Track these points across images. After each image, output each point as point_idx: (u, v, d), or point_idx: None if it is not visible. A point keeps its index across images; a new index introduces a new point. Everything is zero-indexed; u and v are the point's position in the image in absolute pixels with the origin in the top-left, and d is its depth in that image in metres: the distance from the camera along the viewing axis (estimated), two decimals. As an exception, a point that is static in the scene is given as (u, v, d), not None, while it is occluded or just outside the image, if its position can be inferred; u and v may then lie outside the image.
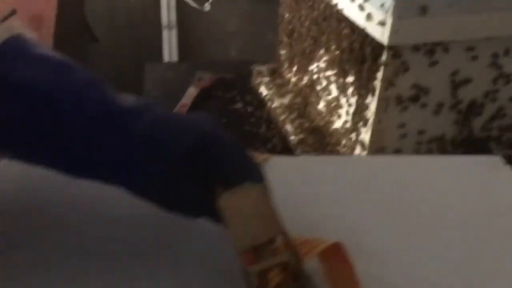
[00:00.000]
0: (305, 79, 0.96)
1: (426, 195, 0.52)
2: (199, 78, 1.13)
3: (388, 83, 0.70)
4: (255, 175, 0.37)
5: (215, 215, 0.36)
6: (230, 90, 1.12)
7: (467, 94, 0.75)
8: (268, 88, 1.06)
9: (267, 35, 1.67)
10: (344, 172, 0.55)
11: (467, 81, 0.73)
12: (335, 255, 0.38)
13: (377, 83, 0.71)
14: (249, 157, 0.38)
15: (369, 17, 0.66)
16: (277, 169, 0.54)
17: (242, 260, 0.34)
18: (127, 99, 0.39)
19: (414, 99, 0.72)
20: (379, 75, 0.70)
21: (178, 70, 1.23)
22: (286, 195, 0.50)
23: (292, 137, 0.92)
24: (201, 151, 0.36)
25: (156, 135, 0.36)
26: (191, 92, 1.08)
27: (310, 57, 0.92)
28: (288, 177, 0.53)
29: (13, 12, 1.47)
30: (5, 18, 1.40)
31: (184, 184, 0.37)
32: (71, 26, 1.86)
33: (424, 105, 0.74)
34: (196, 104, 1.06)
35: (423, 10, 0.61)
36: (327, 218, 0.48)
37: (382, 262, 0.44)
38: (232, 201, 0.34)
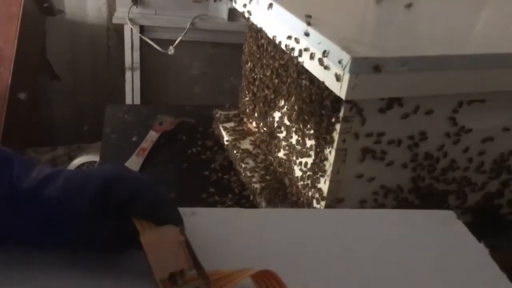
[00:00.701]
0: (266, 126, 0.97)
1: (379, 248, 0.52)
2: (160, 122, 1.12)
3: (346, 135, 0.72)
4: (169, 213, 0.45)
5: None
6: (192, 135, 1.11)
7: (422, 147, 0.77)
8: (229, 134, 1.06)
9: (230, 80, 1.69)
10: (301, 225, 0.55)
11: (422, 134, 0.76)
12: (267, 278, 0.43)
13: (335, 135, 0.72)
14: (161, 195, 0.45)
15: (327, 71, 0.68)
16: (238, 221, 0.54)
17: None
18: (38, 171, 0.44)
19: (372, 151, 0.74)
20: (338, 127, 0.71)
21: (139, 113, 1.22)
22: (242, 245, 0.49)
23: (253, 185, 0.92)
24: (107, 193, 0.42)
25: (61, 195, 0.42)
26: (152, 135, 1.07)
27: (271, 105, 0.93)
28: (246, 229, 0.52)
29: (-30, 49, 1.41)
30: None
31: (103, 227, 0.42)
32: (31, 63, 1.83)
33: (381, 158, 0.75)
34: (157, 147, 1.05)
35: (378, 68, 0.64)
36: (285, 269, 0.47)
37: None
38: (151, 239, 0.41)
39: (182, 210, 0.54)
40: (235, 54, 1.64)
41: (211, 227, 0.52)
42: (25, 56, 1.59)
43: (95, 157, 1.58)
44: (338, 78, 0.65)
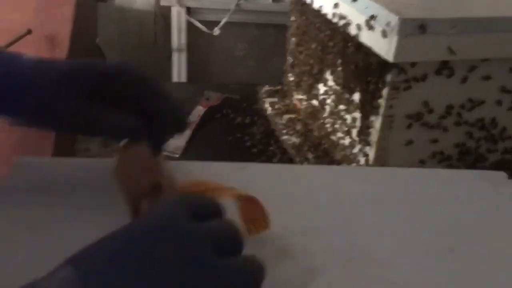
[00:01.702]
0: (311, 99, 0.97)
1: (429, 207, 0.52)
2: (207, 97, 1.14)
3: (393, 100, 0.71)
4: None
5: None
6: (237, 110, 1.13)
7: (473, 113, 0.75)
8: (274, 109, 1.08)
9: (274, 61, 1.70)
10: (347, 182, 0.56)
11: (472, 100, 0.74)
12: (251, 204, 0.44)
13: (382, 101, 0.72)
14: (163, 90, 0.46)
15: (374, 36, 0.68)
16: (280, 176, 0.55)
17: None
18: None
19: (419, 117, 0.73)
20: (384, 92, 0.71)
21: (186, 90, 1.25)
22: (288, 201, 0.50)
23: (297, 158, 0.93)
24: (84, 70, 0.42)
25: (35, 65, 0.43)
26: (199, 110, 1.09)
27: (317, 78, 0.94)
28: (291, 185, 0.54)
29: (28, 32, 1.50)
30: (21, 37, 1.43)
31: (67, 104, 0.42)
32: (84, 48, 1.90)
33: (429, 124, 0.75)
34: (203, 121, 1.08)
35: (426, 29, 0.63)
36: (329, 223, 0.48)
37: (384, 267, 0.44)
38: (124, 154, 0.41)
39: (231, 165, 0.56)
40: (279, 35, 1.64)
41: (259, 182, 0.54)
42: (78, 41, 1.65)
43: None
44: (385, 41, 0.65)
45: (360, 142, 0.79)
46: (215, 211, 0.34)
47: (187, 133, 1.03)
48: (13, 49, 1.41)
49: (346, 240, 0.46)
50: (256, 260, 0.33)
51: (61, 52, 1.54)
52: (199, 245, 0.29)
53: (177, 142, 1.00)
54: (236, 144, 1.02)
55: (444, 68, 0.70)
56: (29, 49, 1.49)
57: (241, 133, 1.05)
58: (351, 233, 0.47)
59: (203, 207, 0.33)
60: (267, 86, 1.16)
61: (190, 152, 0.99)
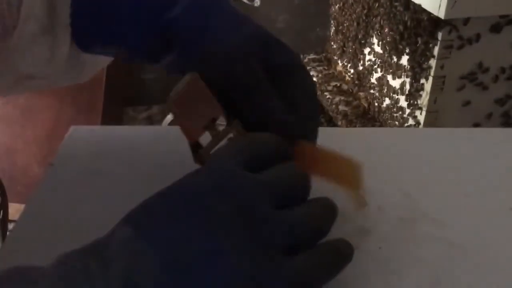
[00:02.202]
0: (357, 64, 0.95)
1: (483, 166, 0.50)
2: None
3: (444, 60, 0.68)
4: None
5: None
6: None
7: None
8: (319, 76, 1.06)
9: (316, 31, 1.66)
10: (397, 142, 0.54)
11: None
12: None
13: (433, 61, 0.69)
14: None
15: (424, -8, 0.65)
16: (329, 139, 0.54)
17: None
18: None
19: (472, 77, 0.70)
20: (435, 52, 0.68)
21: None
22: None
23: (343, 122, 0.91)
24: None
25: None
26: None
27: (362, 42, 0.91)
28: (341, 147, 0.53)
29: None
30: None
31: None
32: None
33: (483, 86, 0.71)
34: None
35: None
36: (381, 184, 0.47)
37: (438, 226, 0.42)
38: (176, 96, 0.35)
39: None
40: (320, 4, 1.61)
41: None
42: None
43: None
44: (436, -4, 0.62)
45: (409, 106, 0.77)
46: (276, 153, 0.31)
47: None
48: None
49: (398, 200, 0.45)
50: (324, 203, 0.30)
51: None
52: (258, 199, 0.28)
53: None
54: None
55: (502, 24, 0.66)
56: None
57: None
58: (403, 193, 0.46)
59: (261, 153, 0.31)
60: (311, 54, 1.14)
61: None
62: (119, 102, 1.90)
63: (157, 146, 0.52)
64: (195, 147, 0.36)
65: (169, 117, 0.39)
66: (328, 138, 0.55)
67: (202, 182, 0.28)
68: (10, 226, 1.53)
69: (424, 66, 0.70)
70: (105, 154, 0.50)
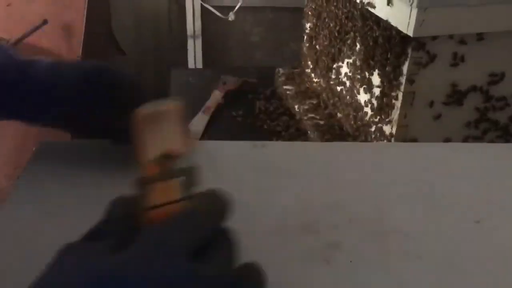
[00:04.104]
0: (329, 79, 0.96)
1: (453, 180, 0.51)
2: (224, 82, 1.14)
3: (413, 76, 0.70)
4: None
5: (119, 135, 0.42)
6: (254, 94, 1.13)
7: (498, 89, 0.74)
8: (291, 91, 1.07)
9: (290, 45, 1.68)
10: (369, 157, 0.55)
11: (499, 75, 0.72)
12: None
13: (402, 77, 0.71)
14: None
15: (394, 10, 0.67)
16: (301, 154, 0.55)
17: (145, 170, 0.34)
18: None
19: (441, 94, 0.72)
20: (405, 68, 0.70)
21: (202, 75, 1.25)
22: (311, 177, 0.50)
23: (318, 139, 0.92)
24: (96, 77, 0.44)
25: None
26: (216, 95, 1.09)
27: (334, 58, 0.93)
28: (313, 161, 0.53)
29: (44, 22, 1.51)
30: (37, 28, 1.44)
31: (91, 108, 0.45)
32: (99, 37, 1.91)
33: (451, 101, 0.73)
34: (221, 106, 1.08)
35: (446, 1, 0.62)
36: (352, 198, 0.48)
37: (408, 240, 0.43)
38: (146, 112, 0.35)
39: (252, 143, 0.56)
40: (295, 19, 1.62)
41: (280, 159, 0.53)
42: (93, 30, 1.66)
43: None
44: (405, 14, 0.64)
45: (380, 121, 0.78)
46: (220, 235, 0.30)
47: (206, 118, 1.03)
48: (30, 39, 1.42)
49: (369, 214, 0.45)
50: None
51: (77, 41, 1.55)
52: None
53: (195, 128, 1.00)
54: (254, 127, 1.02)
55: (470, 40, 0.68)
56: (46, 39, 1.50)
57: (259, 116, 1.04)
58: (374, 207, 0.46)
59: (209, 235, 0.29)
60: (284, 69, 1.15)
61: (208, 137, 0.99)
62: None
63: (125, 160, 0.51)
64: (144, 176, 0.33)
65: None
66: (301, 152, 0.55)
67: (136, 265, 0.25)
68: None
69: (394, 82, 0.72)
70: (73, 169, 0.49)
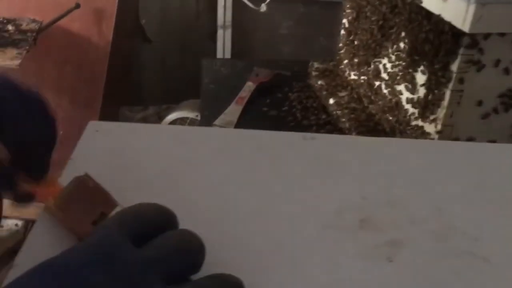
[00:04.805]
0: (367, 74, 0.94)
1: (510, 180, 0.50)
2: (257, 73, 1.13)
3: (464, 74, 0.68)
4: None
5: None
6: (287, 86, 1.11)
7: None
8: (326, 85, 1.05)
9: (319, 40, 1.67)
10: (421, 155, 0.53)
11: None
12: None
13: (452, 74, 0.69)
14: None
15: (448, 4, 0.65)
16: (352, 148, 0.53)
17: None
18: None
19: (492, 92, 0.70)
20: (455, 65, 0.68)
21: (234, 66, 1.24)
22: (364, 172, 0.49)
23: (352, 134, 0.90)
24: None
25: None
26: (249, 86, 1.08)
27: (375, 53, 0.91)
28: (364, 156, 0.52)
29: (77, 6, 1.52)
30: (69, 11, 1.45)
31: None
32: (127, 24, 1.91)
33: (504, 102, 0.71)
34: (253, 97, 1.06)
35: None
36: (411, 195, 0.46)
37: (471, 241, 0.42)
38: (61, 201, 0.37)
39: (302, 135, 0.54)
40: (325, 13, 1.61)
41: (330, 152, 0.52)
42: (122, 17, 1.66)
43: (187, 114, 1.63)
44: (461, 9, 0.62)
45: (423, 119, 0.76)
46: (163, 222, 0.30)
47: (239, 108, 1.01)
48: (62, 22, 1.42)
49: (429, 213, 0.44)
50: (220, 276, 0.30)
51: (108, 27, 1.55)
52: (146, 278, 0.26)
53: (228, 118, 0.99)
54: (287, 120, 1.00)
55: (521, 40, 0.66)
56: (77, 23, 1.50)
57: (292, 109, 1.03)
58: (434, 206, 0.45)
59: (146, 224, 0.29)
60: (317, 63, 1.13)
61: (241, 128, 0.98)
62: (116, 101, 1.88)
63: (176, 145, 0.50)
64: None
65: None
66: (353, 146, 0.54)
67: (82, 259, 0.26)
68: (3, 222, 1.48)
69: (442, 79, 0.70)
70: (124, 150, 0.49)
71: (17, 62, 0.99)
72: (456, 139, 0.73)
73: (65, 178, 0.44)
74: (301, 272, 0.37)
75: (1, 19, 1.19)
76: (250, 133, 0.55)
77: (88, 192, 0.37)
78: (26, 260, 0.35)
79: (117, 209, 0.36)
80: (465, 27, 0.62)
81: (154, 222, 0.30)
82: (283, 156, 0.50)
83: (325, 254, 0.39)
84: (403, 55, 0.79)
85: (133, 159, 0.47)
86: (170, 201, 0.43)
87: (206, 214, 0.42)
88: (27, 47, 1.07)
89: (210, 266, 0.37)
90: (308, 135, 0.54)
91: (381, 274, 0.38)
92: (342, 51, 1.07)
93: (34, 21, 1.23)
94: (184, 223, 0.39)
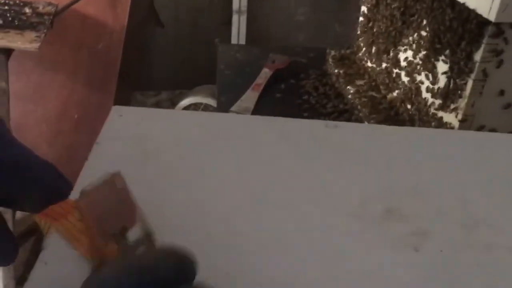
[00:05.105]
0: (385, 62, 0.94)
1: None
2: (273, 60, 1.12)
3: (487, 64, 0.67)
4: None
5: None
6: (304, 73, 1.11)
7: None
8: (343, 73, 1.04)
9: (335, 26, 1.65)
10: (444, 144, 0.53)
11: None
12: None
13: (476, 64, 0.68)
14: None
15: (474, -8, 0.64)
16: (375, 136, 0.53)
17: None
18: None
19: (514, 83, 0.69)
20: (478, 55, 0.67)
21: (250, 52, 1.23)
22: (386, 161, 0.48)
23: (370, 122, 0.90)
24: None
25: None
26: (265, 72, 1.07)
27: (394, 41, 0.90)
28: (387, 145, 0.51)
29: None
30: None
31: None
32: (140, 9, 1.90)
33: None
34: (270, 84, 1.06)
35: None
36: (435, 185, 0.46)
37: (500, 230, 0.41)
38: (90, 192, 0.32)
39: (324, 122, 0.54)
40: (341, 0, 1.59)
41: (354, 141, 0.52)
42: (137, 1, 1.65)
43: (200, 99, 1.63)
44: (488, -2, 0.61)
45: (443, 108, 0.75)
46: (182, 280, 0.28)
47: (255, 95, 1.01)
48: (78, 6, 1.42)
49: (454, 202, 0.44)
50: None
51: (123, 11, 1.55)
52: None
53: (245, 104, 0.99)
54: (303, 107, 1.00)
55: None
56: (92, 7, 1.50)
57: (309, 97, 1.02)
58: (458, 196, 0.45)
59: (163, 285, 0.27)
60: (334, 50, 1.12)
61: (258, 114, 0.98)
62: (129, 85, 1.88)
63: (202, 131, 0.50)
64: (97, 264, 0.30)
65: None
66: (375, 135, 0.54)
67: None
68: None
69: (465, 69, 0.69)
70: (149, 136, 0.49)
71: (36, 45, 0.99)
72: (478, 129, 0.73)
73: (91, 161, 0.45)
74: (327, 261, 0.37)
75: (17, 2, 1.19)
76: (272, 120, 0.55)
77: (114, 194, 0.33)
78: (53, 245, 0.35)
79: (137, 226, 0.32)
80: (491, 16, 0.61)
81: (172, 282, 0.28)
82: (306, 144, 0.50)
83: (351, 243, 0.39)
84: (425, 44, 0.79)
85: (158, 145, 0.48)
86: (194, 188, 0.43)
87: (231, 202, 0.42)
88: (45, 30, 1.07)
89: (238, 252, 0.38)
90: (331, 123, 0.54)
91: (407, 263, 0.38)
92: (360, 39, 1.06)
93: (50, 4, 1.23)
94: (208, 211, 0.39)
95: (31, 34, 1.04)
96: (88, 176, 0.42)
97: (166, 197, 0.42)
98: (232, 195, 0.43)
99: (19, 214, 1.62)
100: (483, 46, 0.66)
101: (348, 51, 1.11)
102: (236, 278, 0.35)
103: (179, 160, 0.46)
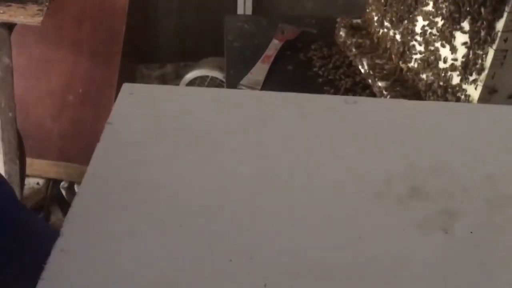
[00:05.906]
0: (400, 31, 0.90)
1: None
2: (282, 31, 1.09)
3: (509, 33, 0.64)
4: None
5: None
6: (314, 44, 1.08)
7: None
8: (355, 42, 1.01)
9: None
10: (468, 119, 0.51)
11: None
12: None
13: (497, 33, 0.65)
14: None
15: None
16: (394, 112, 0.51)
17: None
18: None
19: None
20: (500, 23, 0.64)
21: (258, 23, 1.19)
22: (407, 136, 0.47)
23: (384, 95, 0.87)
24: None
25: None
26: (275, 44, 1.04)
27: (409, 9, 0.86)
28: (405, 120, 0.49)
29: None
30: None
31: None
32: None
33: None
34: (280, 56, 1.03)
35: None
36: (459, 162, 0.44)
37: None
38: None
39: (344, 98, 0.52)
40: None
41: (374, 116, 0.50)
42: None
43: (207, 72, 1.60)
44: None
45: (462, 79, 0.73)
46: None
47: (265, 67, 0.99)
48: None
49: (482, 181, 0.42)
50: None
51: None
52: None
53: (255, 77, 0.96)
54: (316, 79, 0.97)
55: None
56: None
57: (319, 68, 1.00)
58: (485, 173, 0.43)
59: None
60: (345, 19, 1.09)
61: (269, 87, 0.96)
62: (133, 58, 1.85)
63: (214, 108, 0.49)
64: None
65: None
66: (395, 110, 0.52)
67: None
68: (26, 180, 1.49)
69: (488, 38, 0.66)
70: (161, 114, 0.47)
71: (39, 19, 0.96)
72: (497, 103, 0.71)
73: (104, 143, 0.43)
74: (353, 241, 0.36)
75: (17, -26, 1.15)
76: (288, 96, 0.53)
77: None
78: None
79: None
80: (516, -18, 0.58)
81: None
82: (326, 121, 0.48)
83: (377, 223, 0.38)
84: (443, 12, 0.75)
85: (170, 123, 0.46)
86: (209, 168, 0.41)
87: (249, 183, 0.40)
88: (47, 3, 1.04)
89: (254, 233, 0.36)
90: (350, 98, 0.52)
91: (437, 245, 0.36)
92: (372, 7, 1.02)
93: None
94: (227, 191, 0.38)
95: (33, 8, 1.01)
96: (102, 158, 0.41)
97: (180, 177, 0.40)
98: (249, 176, 0.41)
99: (27, 190, 1.62)
100: (505, 14, 0.63)
101: (359, 20, 1.07)
102: (257, 260, 0.34)
103: (192, 139, 0.45)
